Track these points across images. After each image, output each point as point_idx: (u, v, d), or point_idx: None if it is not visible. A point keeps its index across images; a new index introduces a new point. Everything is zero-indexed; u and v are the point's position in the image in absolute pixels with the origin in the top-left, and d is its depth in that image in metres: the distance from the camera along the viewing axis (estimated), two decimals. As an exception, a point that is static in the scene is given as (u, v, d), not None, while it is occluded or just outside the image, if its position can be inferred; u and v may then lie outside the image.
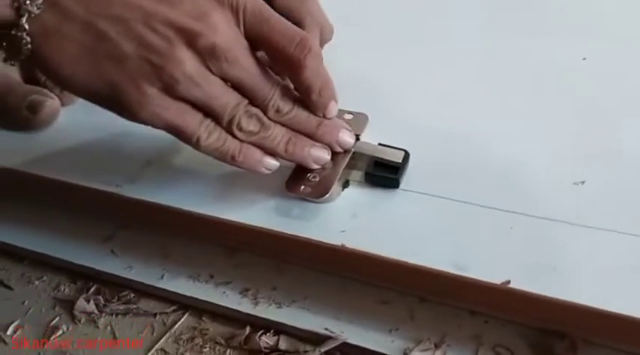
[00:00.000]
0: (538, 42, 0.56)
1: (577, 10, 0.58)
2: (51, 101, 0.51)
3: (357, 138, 0.45)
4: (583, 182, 0.43)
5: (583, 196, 0.43)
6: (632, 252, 0.39)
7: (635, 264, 0.39)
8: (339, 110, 0.45)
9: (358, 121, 0.47)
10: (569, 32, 0.56)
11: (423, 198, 0.44)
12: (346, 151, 0.45)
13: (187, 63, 0.38)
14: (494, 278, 0.38)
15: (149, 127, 0.41)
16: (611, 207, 0.42)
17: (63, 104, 0.52)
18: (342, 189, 0.45)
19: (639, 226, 0.40)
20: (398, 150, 0.45)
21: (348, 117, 0.47)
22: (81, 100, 0.51)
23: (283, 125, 0.42)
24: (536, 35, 0.56)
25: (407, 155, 0.45)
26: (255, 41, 0.40)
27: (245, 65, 0.39)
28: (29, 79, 0.53)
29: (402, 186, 0.44)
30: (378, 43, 0.58)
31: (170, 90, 0.38)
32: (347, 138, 0.44)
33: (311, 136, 0.43)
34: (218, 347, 0.43)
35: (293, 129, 0.43)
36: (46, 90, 0.52)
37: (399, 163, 0.44)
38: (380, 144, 0.45)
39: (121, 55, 0.37)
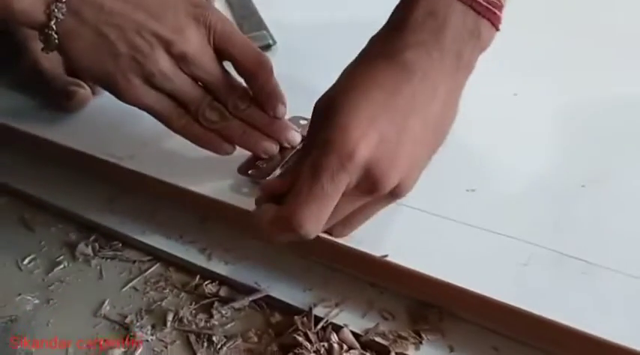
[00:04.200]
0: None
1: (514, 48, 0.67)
2: (84, 91, 0.65)
3: (303, 138, 0.56)
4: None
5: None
6: (497, 244, 0.48)
7: (492, 254, 0.48)
8: (296, 116, 0.56)
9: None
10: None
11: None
12: (292, 147, 0.55)
13: (162, 62, 0.50)
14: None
15: (150, 118, 0.53)
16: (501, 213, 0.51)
17: (94, 93, 0.66)
18: None
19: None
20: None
21: (303, 122, 0.57)
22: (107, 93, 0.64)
23: (241, 120, 0.54)
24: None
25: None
26: (222, 53, 0.52)
27: (209, 70, 0.51)
28: (70, 72, 0.67)
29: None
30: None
31: (149, 81, 0.50)
32: (292, 136, 0.55)
33: (262, 131, 0.54)
34: (175, 290, 0.55)
35: (249, 124, 0.54)
36: (82, 82, 0.66)
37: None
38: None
39: (117, 53, 0.50)
